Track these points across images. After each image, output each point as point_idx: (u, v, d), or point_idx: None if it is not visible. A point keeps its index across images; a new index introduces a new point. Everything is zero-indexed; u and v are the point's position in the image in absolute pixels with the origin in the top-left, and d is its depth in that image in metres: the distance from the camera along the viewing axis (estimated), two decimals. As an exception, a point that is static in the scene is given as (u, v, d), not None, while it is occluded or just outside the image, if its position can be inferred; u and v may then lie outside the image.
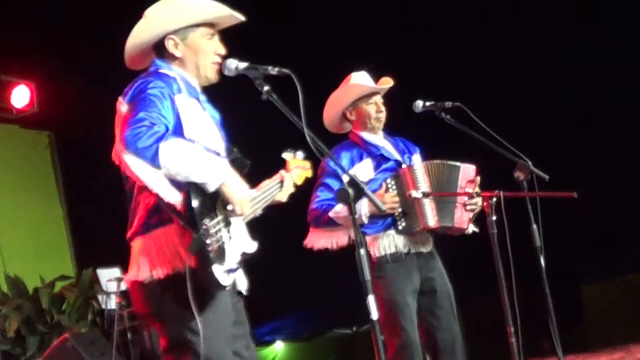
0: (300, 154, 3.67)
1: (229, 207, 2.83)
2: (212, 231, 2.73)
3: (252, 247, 2.98)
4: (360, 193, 2.83)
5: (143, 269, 2.83)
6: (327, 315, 9.22)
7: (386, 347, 4.07)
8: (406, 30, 8.03)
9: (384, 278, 4.18)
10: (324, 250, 4.31)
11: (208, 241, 2.70)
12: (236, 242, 2.89)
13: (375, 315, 2.71)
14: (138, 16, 3.12)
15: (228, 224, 2.85)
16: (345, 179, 2.92)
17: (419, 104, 4.34)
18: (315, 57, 7.74)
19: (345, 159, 4.30)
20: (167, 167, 2.65)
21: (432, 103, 4.32)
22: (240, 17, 3.09)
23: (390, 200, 4.17)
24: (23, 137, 9.95)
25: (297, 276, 8.42)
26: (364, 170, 4.29)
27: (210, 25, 3.06)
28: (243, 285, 3.05)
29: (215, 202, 2.80)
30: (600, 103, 7.61)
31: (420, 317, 4.25)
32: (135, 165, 2.67)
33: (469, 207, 4.27)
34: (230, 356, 2.89)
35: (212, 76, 3.06)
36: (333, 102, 4.41)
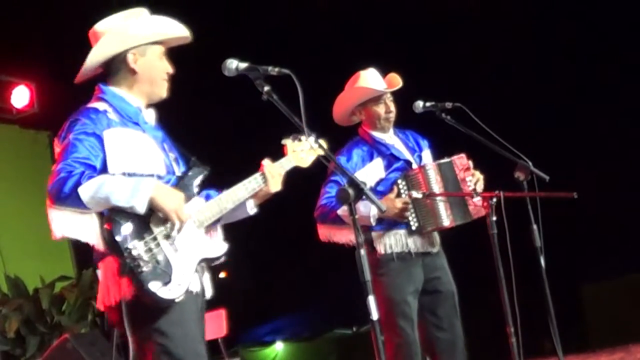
0: (307, 138, 3.37)
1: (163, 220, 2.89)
2: (141, 250, 2.82)
3: (216, 250, 3.05)
4: (360, 193, 2.82)
5: (100, 296, 2.99)
6: (327, 315, 9.22)
7: (385, 346, 4.06)
8: (405, 30, 8.03)
9: (386, 276, 4.16)
10: (324, 251, 4.29)
11: (136, 262, 2.79)
12: (185, 251, 2.93)
13: (375, 315, 2.71)
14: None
15: (167, 237, 2.90)
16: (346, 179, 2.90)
17: (419, 104, 4.33)
18: (316, 56, 7.73)
19: (355, 157, 4.27)
20: (92, 206, 2.86)
21: (432, 103, 4.31)
22: (189, 39, 3.21)
23: (400, 206, 4.14)
24: (23, 137, 9.92)
25: (297, 276, 8.42)
26: (375, 170, 4.26)
27: (161, 43, 3.17)
28: (207, 291, 3.11)
29: (148, 221, 2.89)
30: (600, 103, 7.61)
31: (422, 316, 4.24)
32: (57, 222, 2.98)
33: (476, 198, 4.21)
34: None
35: (163, 93, 3.19)
36: (341, 102, 4.37)
